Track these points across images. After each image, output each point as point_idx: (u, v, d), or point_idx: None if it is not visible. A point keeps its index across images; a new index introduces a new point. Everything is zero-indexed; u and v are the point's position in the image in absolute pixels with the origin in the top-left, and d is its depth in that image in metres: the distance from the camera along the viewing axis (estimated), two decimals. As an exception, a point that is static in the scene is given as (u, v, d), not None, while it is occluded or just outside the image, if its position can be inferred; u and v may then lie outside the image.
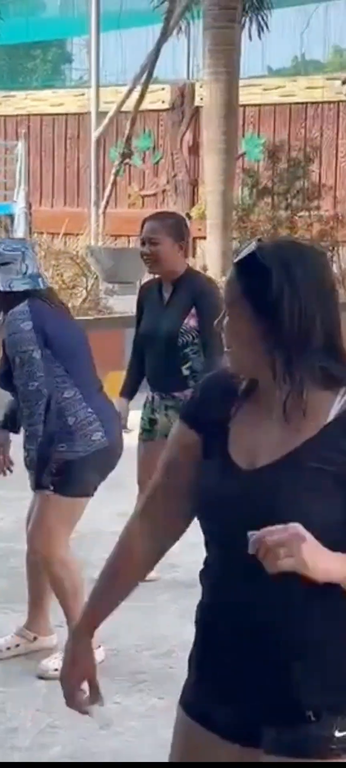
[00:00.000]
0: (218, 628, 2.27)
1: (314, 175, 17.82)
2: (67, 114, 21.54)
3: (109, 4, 18.53)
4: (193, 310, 5.40)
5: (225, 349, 2.27)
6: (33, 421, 4.56)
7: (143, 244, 5.50)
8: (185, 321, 5.44)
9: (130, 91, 16.97)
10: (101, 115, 17.41)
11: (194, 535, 2.32)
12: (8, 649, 4.97)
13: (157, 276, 5.74)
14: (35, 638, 4.99)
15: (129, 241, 18.71)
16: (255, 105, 19.52)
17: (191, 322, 5.43)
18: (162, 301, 5.58)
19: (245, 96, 16.49)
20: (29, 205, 16.41)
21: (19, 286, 4.62)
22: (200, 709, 2.28)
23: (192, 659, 2.34)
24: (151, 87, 17.30)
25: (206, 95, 14.20)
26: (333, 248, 16.11)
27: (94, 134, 17.45)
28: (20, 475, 4.92)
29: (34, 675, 4.73)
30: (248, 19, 16.50)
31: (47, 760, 4.11)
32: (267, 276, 2.15)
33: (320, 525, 2.07)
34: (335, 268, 15.53)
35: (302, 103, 19.38)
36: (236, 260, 2.23)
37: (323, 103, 19.10)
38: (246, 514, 2.11)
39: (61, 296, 6.20)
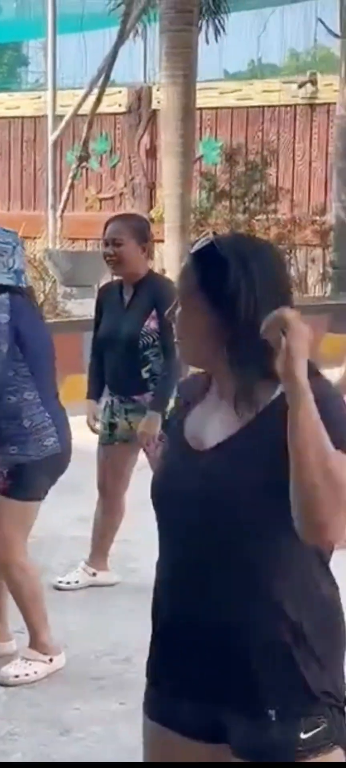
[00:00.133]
0: (170, 625, 2.27)
1: (271, 178, 17.87)
2: (23, 117, 21.42)
3: (66, 7, 18.44)
4: (153, 313, 5.39)
5: (176, 340, 2.28)
6: None
7: (107, 245, 5.48)
8: (146, 323, 5.42)
9: (87, 94, 16.90)
10: (58, 118, 17.33)
11: (156, 539, 2.31)
12: (-33, 656, 4.93)
13: (117, 278, 5.72)
14: (-6, 645, 4.95)
15: (86, 245, 18.65)
16: (212, 108, 19.53)
17: (151, 324, 5.41)
18: (123, 304, 5.56)
19: (202, 99, 16.49)
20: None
21: (4, 279, 4.58)
22: (163, 713, 2.27)
23: (149, 661, 2.34)
24: (108, 90, 17.25)
25: (163, 98, 14.18)
26: (291, 251, 16.18)
27: (51, 137, 17.37)
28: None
29: (-7, 682, 4.70)
30: (204, 23, 16.51)
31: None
32: (225, 268, 2.17)
33: (253, 503, 2.11)
34: (292, 272, 15.59)
35: (259, 107, 19.42)
36: (192, 251, 2.24)
37: (279, 106, 19.15)
38: (186, 495, 2.18)
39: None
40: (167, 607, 2.27)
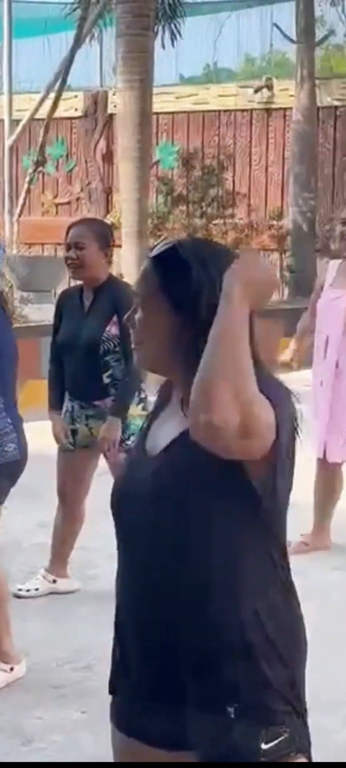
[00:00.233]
0: (127, 631, 2.26)
1: (228, 183, 17.92)
2: (-21, 121, 21.33)
3: (22, 11, 18.39)
4: (114, 318, 5.36)
5: (134, 345, 2.27)
6: None
7: (69, 248, 5.45)
8: (107, 328, 5.39)
9: (43, 99, 16.85)
10: (14, 122, 17.27)
11: (115, 546, 2.29)
12: None
13: (75, 282, 5.69)
14: None
15: (43, 249, 18.58)
16: (168, 113, 19.56)
17: (112, 329, 5.39)
18: (83, 309, 5.52)
19: (159, 104, 16.50)
20: None
21: None
22: (127, 723, 2.25)
23: (111, 669, 2.33)
24: (65, 94, 17.22)
25: (119, 103, 14.16)
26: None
27: (7, 142, 17.29)
28: None
29: None
30: (161, 27, 16.52)
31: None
32: (187, 271, 2.17)
33: (198, 504, 2.10)
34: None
35: (215, 111, 19.48)
36: (153, 254, 2.24)
37: (236, 111, 19.22)
38: (138, 501, 2.19)
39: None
40: (125, 613, 2.26)
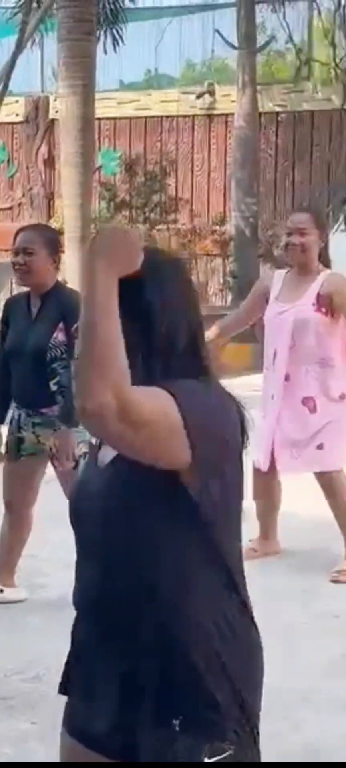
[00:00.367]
0: (80, 641, 2.26)
1: (170, 188, 17.92)
2: None
3: None
4: (61, 325, 5.32)
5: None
6: None
7: (17, 254, 5.40)
8: (54, 335, 5.35)
9: (-16, 104, 16.71)
10: None
11: (65, 554, 2.27)
12: None
13: (20, 289, 5.64)
14: None
15: (-15, 255, 18.42)
16: (110, 118, 19.51)
17: (59, 336, 5.35)
18: (30, 315, 5.48)
19: (100, 109, 16.46)
20: None
21: None
22: (78, 728, 2.24)
23: (64, 676, 2.32)
24: (6, 100, 17.07)
25: (62, 108, 14.09)
26: (191, 261, 16.23)
27: None
28: None
29: None
30: (102, 32, 16.47)
31: None
32: (140, 281, 2.14)
33: (140, 516, 2.10)
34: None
35: (157, 117, 19.48)
36: None
37: (178, 116, 19.23)
38: (87, 512, 2.19)
39: None
40: (81, 623, 2.25)
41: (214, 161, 19.00)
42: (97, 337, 1.96)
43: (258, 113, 17.38)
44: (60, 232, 15.55)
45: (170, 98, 19.43)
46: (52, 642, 4.13)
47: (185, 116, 19.22)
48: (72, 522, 2.28)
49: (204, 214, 18.40)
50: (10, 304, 5.72)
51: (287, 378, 6.13)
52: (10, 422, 5.59)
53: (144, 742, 2.12)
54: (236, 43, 17.43)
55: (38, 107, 20.15)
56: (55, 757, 2.32)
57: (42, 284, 5.41)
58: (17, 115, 20.07)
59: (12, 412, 5.61)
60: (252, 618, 2.24)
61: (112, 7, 16.67)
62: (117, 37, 16.89)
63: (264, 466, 6.17)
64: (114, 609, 2.15)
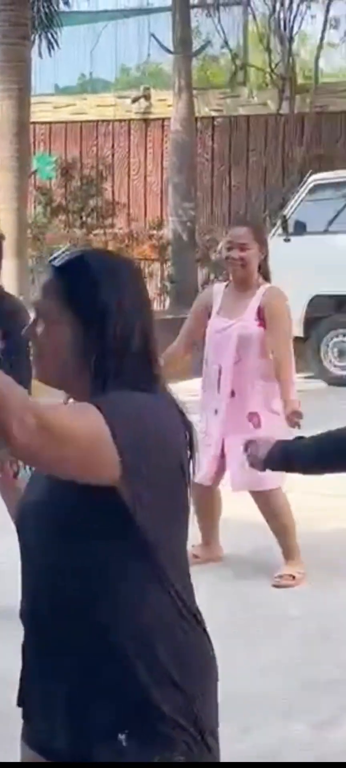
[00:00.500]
0: (26, 653, 2.22)
1: (107, 192, 17.89)
2: None
3: None
4: (-1, 332, 5.26)
5: (34, 358, 2.19)
6: None
7: None
8: (-7, 341, 5.28)
9: None
10: None
11: (6, 566, 2.22)
12: None
13: None
14: None
15: None
16: (46, 123, 19.43)
17: (-4, 342, 5.28)
18: (-31, 323, 5.40)
19: (36, 113, 16.38)
20: None
21: None
22: (36, 742, 2.20)
23: (19, 689, 2.27)
24: None
25: (-4, 112, 14.02)
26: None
27: None
28: None
29: None
30: (38, 37, 16.39)
31: None
32: (95, 283, 2.11)
33: (73, 525, 2.06)
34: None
35: (93, 121, 19.44)
36: (58, 264, 2.16)
37: (114, 121, 19.22)
38: (28, 521, 2.16)
39: None
40: (26, 633, 2.21)
41: (150, 165, 19.02)
42: None
43: (194, 118, 17.44)
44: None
45: (106, 102, 19.40)
46: (3, 654, 4.08)
47: (120, 120, 19.21)
48: (16, 529, 2.24)
49: (141, 218, 18.40)
50: None
51: (232, 394, 6.09)
52: None
53: (94, 756, 2.08)
54: (171, 48, 17.46)
55: (-28, 111, 19.98)
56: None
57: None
58: None
59: None
60: (204, 630, 2.20)
61: (48, 11, 16.58)
62: (52, 41, 16.80)
63: (208, 481, 6.13)
64: (54, 623, 2.11)
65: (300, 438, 3.31)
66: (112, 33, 20.48)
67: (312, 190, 13.86)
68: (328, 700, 4.64)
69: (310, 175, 14.15)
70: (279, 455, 3.18)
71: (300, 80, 19.03)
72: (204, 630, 2.21)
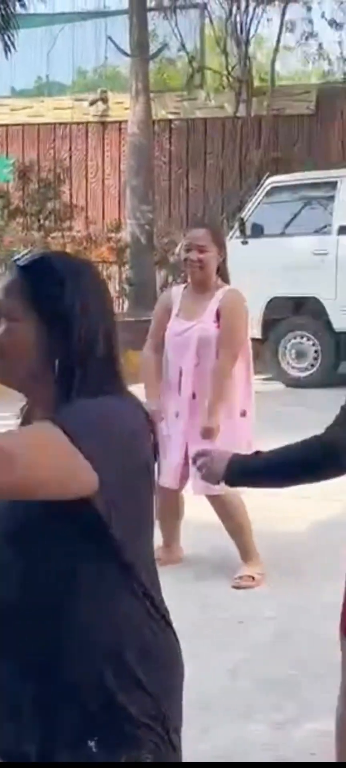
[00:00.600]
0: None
1: (65, 195, 17.84)
2: None
3: None
4: None
5: None
6: None
7: None
8: None
9: None
10: None
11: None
12: None
13: None
14: None
15: None
16: (3, 125, 19.36)
17: None
18: None
19: (-7, 116, 16.37)
20: None
21: None
22: (6, 749, 2.19)
23: None
24: None
25: None
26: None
27: None
28: None
29: None
30: (-6, 39, 16.31)
31: None
32: (61, 284, 2.10)
33: (41, 534, 2.05)
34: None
35: (51, 124, 19.39)
36: (22, 264, 2.15)
37: (71, 124, 19.17)
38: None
39: None
40: None
41: (108, 168, 19.01)
42: None
43: (151, 121, 17.44)
44: None
45: (64, 105, 19.36)
46: None
47: (78, 123, 19.18)
48: None
49: (99, 221, 18.37)
50: None
51: (194, 396, 6.09)
52: None
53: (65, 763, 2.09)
54: (128, 51, 17.45)
55: None
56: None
57: None
58: None
59: None
60: (173, 633, 2.21)
61: (4, 12, 16.49)
62: (9, 43, 16.71)
63: (173, 485, 6.13)
64: (22, 623, 2.10)
65: (257, 453, 3.26)
66: (69, 35, 20.43)
67: (269, 193, 13.92)
68: (288, 701, 4.67)
69: (267, 177, 14.21)
70: (238, 471, 3.14)
71: (257, 83, 19.12)
72: (172, 629, 2.21)
